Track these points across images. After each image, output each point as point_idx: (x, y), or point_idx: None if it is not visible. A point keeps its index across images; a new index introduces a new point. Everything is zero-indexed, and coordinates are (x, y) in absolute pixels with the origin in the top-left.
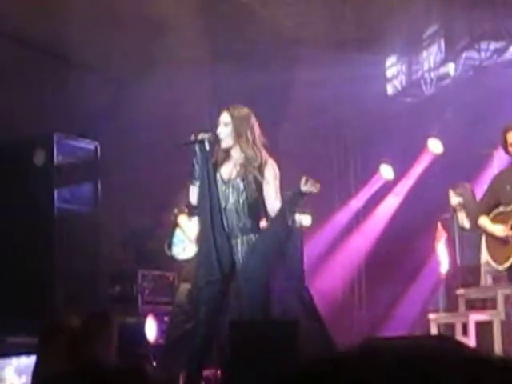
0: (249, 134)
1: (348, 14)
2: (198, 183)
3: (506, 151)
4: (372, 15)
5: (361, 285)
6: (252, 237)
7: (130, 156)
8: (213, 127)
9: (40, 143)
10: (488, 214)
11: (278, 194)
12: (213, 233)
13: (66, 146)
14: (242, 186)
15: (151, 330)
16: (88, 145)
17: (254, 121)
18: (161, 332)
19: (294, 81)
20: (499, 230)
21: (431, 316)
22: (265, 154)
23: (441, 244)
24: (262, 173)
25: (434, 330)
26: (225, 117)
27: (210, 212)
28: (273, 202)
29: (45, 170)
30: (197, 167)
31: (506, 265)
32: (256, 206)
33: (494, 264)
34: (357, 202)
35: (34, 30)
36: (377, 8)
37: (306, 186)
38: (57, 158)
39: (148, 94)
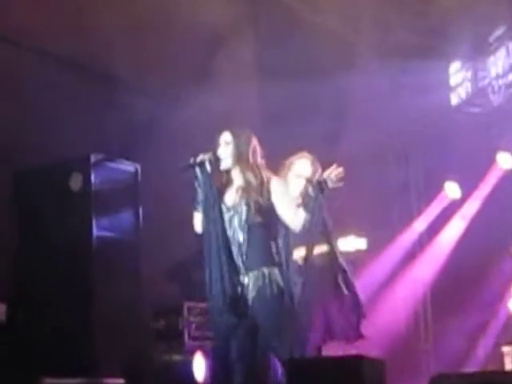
0: (250, 155)
1: (407, 17)
2: (201, 209)
3: None
4: (433, 18)
5: (426, 317)
6: (265, 271)
7: (172, 179)
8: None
9: (76, 166)
10: None
11: (295, 207)
12: (219, 263)
13: (104, 169)
14: (244, 212)
15: (200, 368)
16: (128, 167)
17: (255, 142)
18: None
19: (350, 91)
20: None
21: (505, 349)
22: (267, 174)
23: None
24: (266, 194)
25: (508, 365)
26: (226, 136)
27: (216, 240)
28: (293, 217)
29: (82, 196)
30: (199, 191)
31: None
32: (263, 234)
33: None
34: (420, 224)
35: (69, 47)
36: (438, 10)
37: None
38: (94, 182)
39: (192, 111)
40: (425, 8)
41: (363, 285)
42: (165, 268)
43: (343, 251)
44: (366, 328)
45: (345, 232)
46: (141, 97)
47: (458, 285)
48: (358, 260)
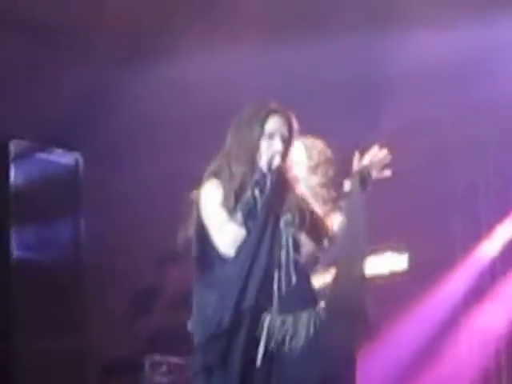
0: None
1: None
2: (246, 216)
3: None
4: None
5: (500, 380)
6: (311, 312)
7: (128, 175)
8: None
9: None
10: None
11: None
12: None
13: (29, 162)
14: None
15: None
16: (64, 158)
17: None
18: None
19: (390, 52)
20: None
21: None
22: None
23: None
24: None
25: None
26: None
27: (262, 269)
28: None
29: None
30: (258, 199)
31: None
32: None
33: None
34: (492, 246)
35: None
36: None
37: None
38: (15, 181)
39: (158, 81)
40: None
41: (402, 332)
42: (117, 304)
43: (374, 274)
44: None
45: (377, 247)
46: (87, 59)
47: None
48: (394, 286)
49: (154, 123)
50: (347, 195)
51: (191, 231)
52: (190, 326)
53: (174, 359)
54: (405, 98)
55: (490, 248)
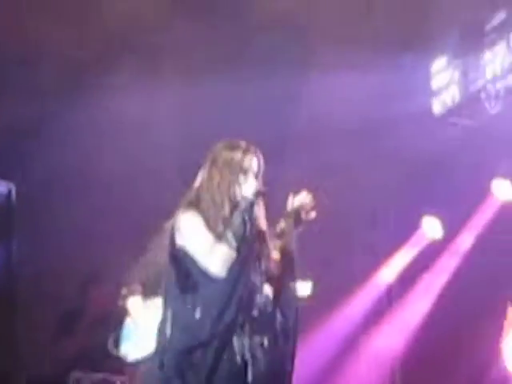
0: None
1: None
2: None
3: None
4: (411, 1)
5: None
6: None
7: (59, 204)
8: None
9: None
10: None
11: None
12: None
13: None
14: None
15: None
16: None
17: None
18: None
19: (301, 93)
20: None
21: None
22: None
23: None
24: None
25: None
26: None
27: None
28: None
29: None
30: (248, 224)
31: None
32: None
33: None
34: (388, 273)
35: None
36: None
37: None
38: None
39: (89, 113)
40: None
41: (308, 352)
42: (45, 323)
43: None
44: None
45: None
46: (24, 92)
47: (439, 352)
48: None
49: (86, 156)
50: (282, 234)
51: (163, 259)
52: (158, 337)
53: (97, 375)
54: (315, 142)
55: (387, 274)
